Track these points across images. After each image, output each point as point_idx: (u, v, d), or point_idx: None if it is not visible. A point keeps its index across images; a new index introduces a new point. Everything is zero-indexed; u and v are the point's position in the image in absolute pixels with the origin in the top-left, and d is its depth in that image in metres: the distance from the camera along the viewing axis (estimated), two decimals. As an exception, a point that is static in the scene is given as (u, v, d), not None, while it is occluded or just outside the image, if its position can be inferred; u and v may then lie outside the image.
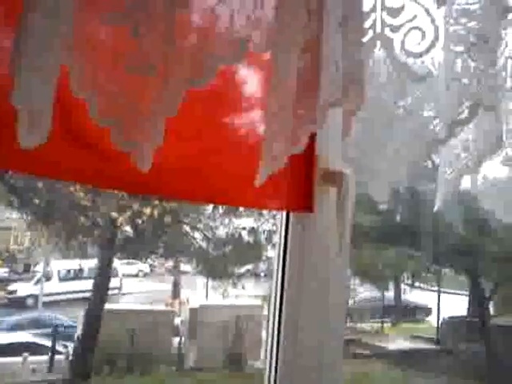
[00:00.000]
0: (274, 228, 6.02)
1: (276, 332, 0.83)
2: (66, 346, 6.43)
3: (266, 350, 0.86)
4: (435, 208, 0.95)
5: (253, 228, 5.97)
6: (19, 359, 6.04)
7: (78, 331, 6.39)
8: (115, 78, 0.62)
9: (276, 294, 0.84)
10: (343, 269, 0.86)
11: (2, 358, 6.06)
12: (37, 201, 5.79)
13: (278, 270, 0.84)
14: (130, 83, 0.62)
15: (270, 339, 0.84)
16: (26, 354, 6.07)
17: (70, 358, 6.24)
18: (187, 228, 6.22)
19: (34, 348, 6.29)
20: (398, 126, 0.83)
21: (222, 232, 6.12)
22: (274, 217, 5.72)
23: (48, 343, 6.36)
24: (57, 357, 6.28)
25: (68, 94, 0.61)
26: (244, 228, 6.02)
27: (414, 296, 7.48)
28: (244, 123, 0.90)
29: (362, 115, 0.80)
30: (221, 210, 5.87)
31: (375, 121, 0.83)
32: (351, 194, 0.85)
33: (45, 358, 6.26)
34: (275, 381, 0.83)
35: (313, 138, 0.87)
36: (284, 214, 0.88)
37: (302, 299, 0.82)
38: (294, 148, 0.72)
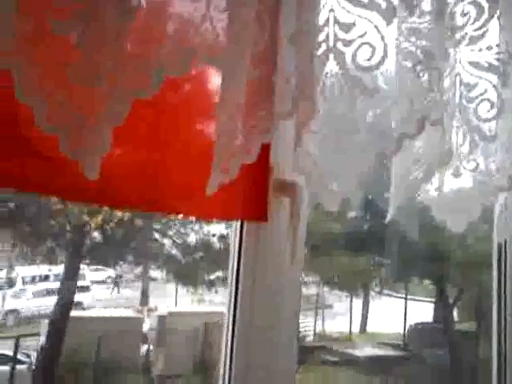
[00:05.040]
0: (244, 235, 6.00)
1: (230, 340, 0.84)
2: (28, 356, 6.24)
3: (222, 359, 0.86)
4: (388, 218, 0.97)
5: (222, 235, 5.95)
6: (-22, 370, 5.83)
7: (42, 340, 6.22)
8: (62, 86, 0.62)
9: (230, 303, 0.84)
10: (296, 278, 0.87)
11: (-39, 368, 5.84)
12: (2, 204, 5.62)
13: (232, 278, 0.85)
14: (77, 91, 0.61)
15: (223, 347, 0.85)
16: (-15, 364, 5.86)
17: (33, 368, 6.06)
18: (156, 234, 6.15)
19: (-6, 357, 6.09)
20: (348, 138, 0.85)
21: (192, 238, 6.07)
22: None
23: (9, 353, 6.16)
24: (18, 367, 6.08)
25: (16, 103, 0.60)
26: (214, 235, 5.98)
27: (383, 303, 7.58)
28: (208, 130, 0.91)
29: (314, 126, 0.82)
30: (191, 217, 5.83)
31: (327, 132, 0.85)
32: (304, 204, 0.86)
33: (5, 368, 6.06)
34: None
35: (268, 148, 0.88)
36: (238, 223, 0.89)
37: (255, 308, 0.83)
38: (246, 158, 0.73)
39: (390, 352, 6.82)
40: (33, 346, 6.19)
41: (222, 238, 5.97)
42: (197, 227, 5.99)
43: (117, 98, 0.58)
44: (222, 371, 0.85)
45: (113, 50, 0.60)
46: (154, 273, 7.32)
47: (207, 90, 0.86)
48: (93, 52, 0.60)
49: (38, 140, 0.69)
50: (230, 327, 0.84)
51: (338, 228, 5.16)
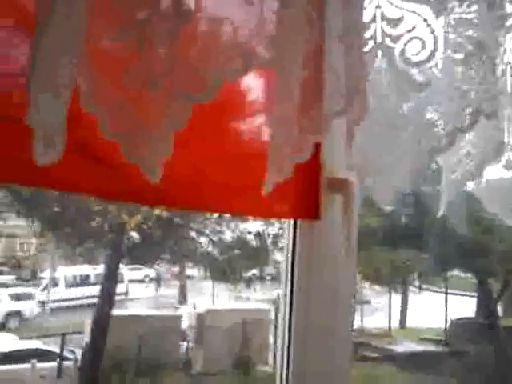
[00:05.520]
0: (280, 232, 6.05)
1: (287, 337, 0.85)
2: (73, 352, 6.46)
3: (276, 355, 0.88)
4: (439, 212, 0.96)
5: (258, 232, 5.99)
6: (28, 366, 6.07)
7: (86, 337, 6.42)
8: (123, 92, 0.64)
9: (286, 300, 0.86)
10: (351, 274, 0.88)
11: (12, 364, 6.09)
12: (45, 207, 5.83)
13: (286, 275, 0.86)
14: (138, 97, 0.64)
15: (280, 344, 0.86)
16: (34, 361, 6.09)
17: (79, 364, 6.26)
18: (193, 233, 6.24)
19: (42, 354, 6.32)
20: (399, 134, 0.85)
21: (228, 236, 6.14)
22: (279, 221, 5.74)
23: (56, 349, 6.39)
24: (65, 363, 6.30)
25: (77, 107, 0.63)
26: (250, 232, 6.03)
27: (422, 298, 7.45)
28: (249, 129, 0.92)
29: (365, 123, 0.82)
30: (227, 215, 5.88)
31: (377, 129, 0.84)
32: (356, 201, 0.86)
33: (53, 364, 6.29)
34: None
35: (318, 146, 0.89)
36: (292, 220, 0.90)
37: (311, 304, 0.84)
38: (299, 157, 0.74)
39: (432, 348, 6.71)
40: (78, 343, 6.37)
41: (258, 235, 6.01)
42: (233, 225, 6.06)
43: (177, 102, 0.60)
44: (278, 367, 0.86)
45: (167, 54, 0.61)
46: (191, 271, 7.43)
47: (240, 88, 0.87)
48: (147, 56, 0.62)
49: (94, 143, 0.72)
50: (287, 323, 0.85)
51: (376, 222, 5.11)
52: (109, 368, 6.13)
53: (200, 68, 0.62)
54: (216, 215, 5.87)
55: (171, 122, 0.61)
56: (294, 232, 0.88)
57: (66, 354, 6.40)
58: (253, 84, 0.88)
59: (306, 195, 0.87)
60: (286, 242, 0.89)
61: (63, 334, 6.54)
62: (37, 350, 6.38)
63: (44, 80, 0.49)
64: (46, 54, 0.49)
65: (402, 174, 0.85)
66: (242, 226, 6.01)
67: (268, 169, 0.70)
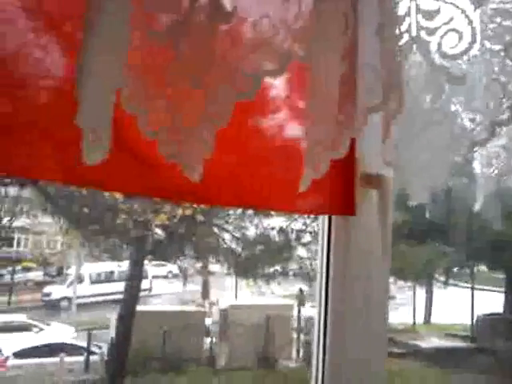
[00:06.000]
0: (304, 227, 6.02)
1: (322, 334, 0.85)
2: (100, 347, 6.59)
3: (312, 352, 0.88)
4: (476, 207, 0.95)
5: (282, 228, 5.98)
6: (56, 360, 6.21)
7: (112, 333, 6.54)
8: (163, 91, 0.65)
9: (321, 297, 0.86)
10: (386, 270, 0.87)
11: (41, 358, 6.25)
12: (71, 205, 5.94)
13: (321, 273, 0.86)
14: (177, 96, 0.64)
15: (316, 341, 0.86)
16: (62, 355, 6.24)
17: (105, 358, 6.38)
18: (216, 229, 6.27)
19: (70, 349, 6.46)
20: (436, 128, 0.83)
21: (251, 232, 6.15)
22: (303, 216, 5.72)
23: (83, 344, 6.53)
24: (92, 358, 6.43)
25: (117, 107, 0.64)
26: (273, 228, 6.03)
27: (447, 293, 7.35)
28: (272, 125, 0.92)
29: (400, 118, 0.81)
30: (250, 211, 5.90)
31: (413, 123, 0.83)
32: (391, 196, 0.86)
33: (80, 358, 6.43)
34: (322, 381, 0.85)
35: (353, 141, 0.88)
36: (326, 217, 0.90)
37: (346, 301, 0.84)
38: (335, 153, 0.73)
39: (458, 344, 6.61)
40: (104, 338, 6.49)
41: (282, 230, 6.00)
42: (256, 221, 6.06)
43: (218, 100, 0.61)
44: (314, 364, 0.87)
45: (206, 52, 0.62)
46: (214, 267, 7.47)
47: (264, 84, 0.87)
48: (185, 55, 0.63)
49: (135, 142, 0.73)
50: (322, 320, 0.85)
51: (400, 216, 5.03)
52: (134, 363, 6.23)
53: (239, 67, 0.62)
54: (239, 211, 5.88)
55: (211, 120, 0.61)
56: (329, 228, 0.88)
57: (92, 348, 6.53)
58: (277, 80, 0.88)
59: (340, 191, 0.87)
60: (320, 238, 0.89)
61: (89, 330, 6.67)
62: (65, 344, 6.52)
63: (93, 80, 0.50)
64: (95, 53, 0.50)
65: (438, 170, 0.84)
66: (266, 221, 6.00)
67: (304, 166, 0.70)
